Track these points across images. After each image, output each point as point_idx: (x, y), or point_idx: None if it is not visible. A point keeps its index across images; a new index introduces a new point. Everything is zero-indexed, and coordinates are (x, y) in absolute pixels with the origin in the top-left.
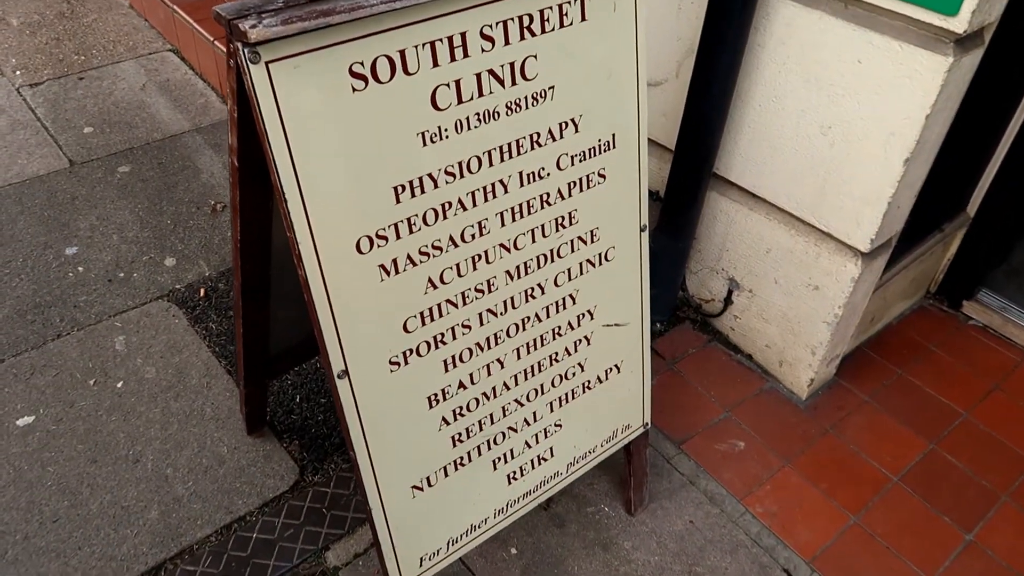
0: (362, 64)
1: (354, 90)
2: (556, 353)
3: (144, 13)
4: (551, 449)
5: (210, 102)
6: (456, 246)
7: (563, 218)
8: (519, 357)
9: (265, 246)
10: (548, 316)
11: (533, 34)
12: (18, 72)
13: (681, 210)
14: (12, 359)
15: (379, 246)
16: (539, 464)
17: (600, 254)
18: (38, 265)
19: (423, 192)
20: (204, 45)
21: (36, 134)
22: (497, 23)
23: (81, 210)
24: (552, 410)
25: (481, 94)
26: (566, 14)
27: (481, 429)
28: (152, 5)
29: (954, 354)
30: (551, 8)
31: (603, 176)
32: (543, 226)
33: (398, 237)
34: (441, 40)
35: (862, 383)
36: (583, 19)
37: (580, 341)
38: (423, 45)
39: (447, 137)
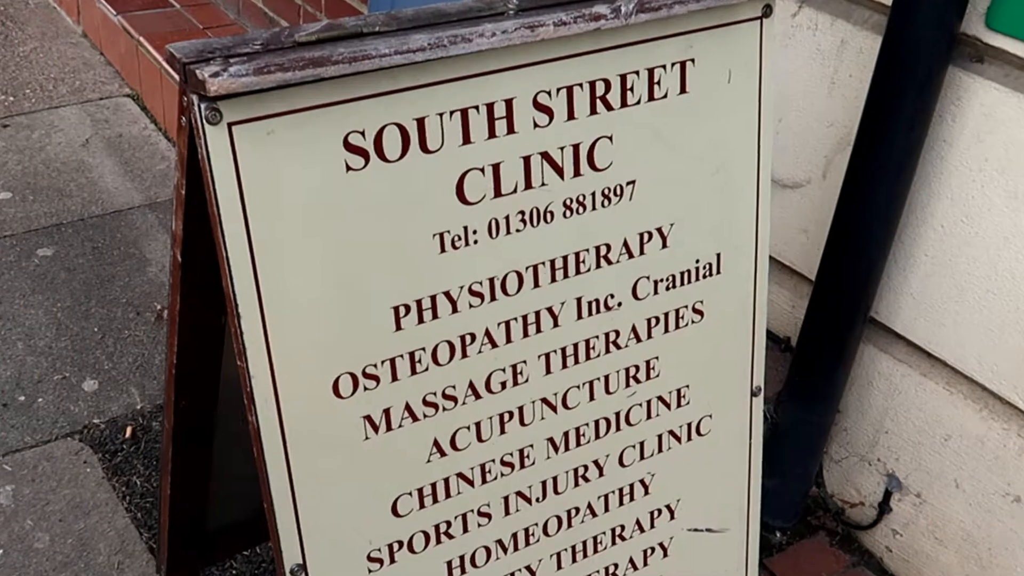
0: (363, 135)
1: (349, 169)
2: (616, 566)
3: (100, 44)
4: None
5: (173, 168)
6: (478, 397)
7: (637, 369)
8: (560, 566)
9: (211, 376)
10: (606, 509)
11: (609, 107)
12: None
13: (820, 369)
14: None
15: (367, 389)
16: None
17: (689, 425)
18: None
19: (436, 317)
20: (173, 91)
21: None
22: (559, 90)
23: None
24: None
25: (529, 186)
26: (658, 83)
27: None
28: (111, 34)
29: None
30: (636, 74)
31: (699, 312)
32: (607, 378)
33: (395, 378)
34: (477, 108)
35: None
36: (682, 91)
37: (653, 550)
38: (450, 113)
39: (476, 242)
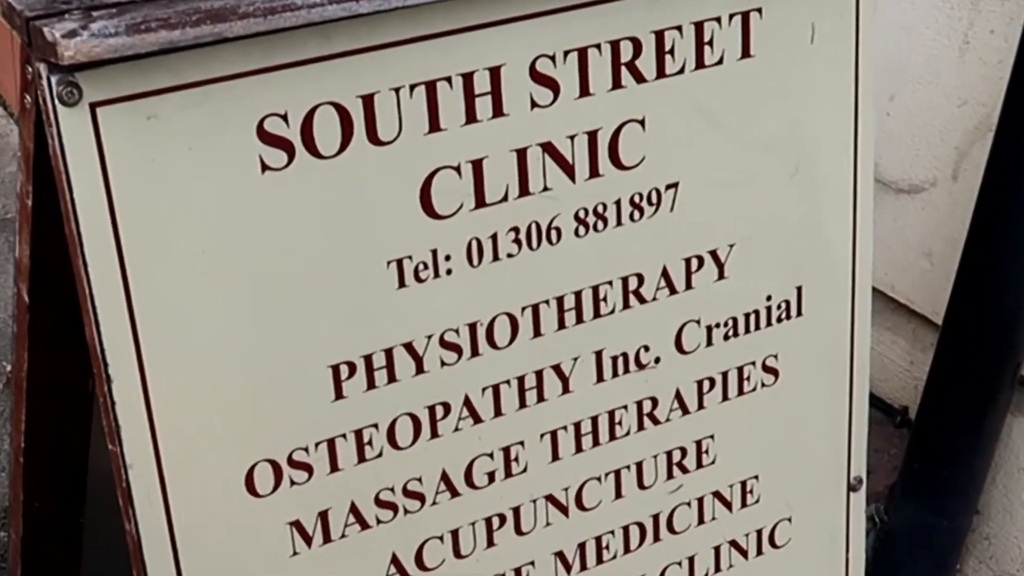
0: (284, 119)
1: (266, 168)
2: None
3: None
4: None
5: (18, 169)
6: (454, 495)
7: (684, 453)
8: None
9: (74, 465)
10: None
11: (640, 79)
12: None
13: (951, 451)
14: None
15: (295, 483)
16: None
17: (759, 532)
18: None
19: (393, 380)
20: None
21: None
22: (567, 53)
23: None
24: None
25: (526, 191)
26: (710, 43)
27: None
28: None
29: None
30: (679, 30)
31: (773, 371)
32: (640, 466)
33: (335, 468)
34: (449, 80)
35: None
36: (745, 55)
37: None
38: (411, 88)
39: (450, 272)
